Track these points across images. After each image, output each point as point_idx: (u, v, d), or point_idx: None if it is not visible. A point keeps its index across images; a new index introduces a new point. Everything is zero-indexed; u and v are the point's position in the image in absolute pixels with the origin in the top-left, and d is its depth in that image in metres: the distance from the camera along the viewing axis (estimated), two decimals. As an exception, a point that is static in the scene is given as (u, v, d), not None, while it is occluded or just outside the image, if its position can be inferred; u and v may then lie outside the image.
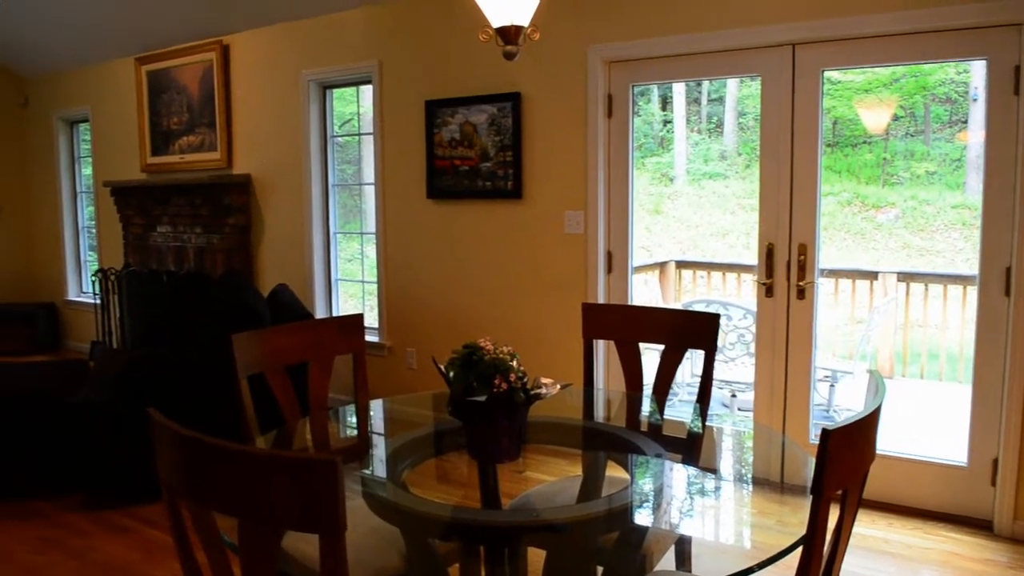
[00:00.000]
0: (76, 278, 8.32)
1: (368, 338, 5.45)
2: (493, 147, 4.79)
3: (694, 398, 3.46)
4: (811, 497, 1.59)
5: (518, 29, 2.12)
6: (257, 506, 1.38)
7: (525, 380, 2.11)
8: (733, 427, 3.26)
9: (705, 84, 13.76)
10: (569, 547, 1.98)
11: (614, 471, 2.43)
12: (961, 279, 6.77)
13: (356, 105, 6.35)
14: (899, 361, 7.07)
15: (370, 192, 5.71)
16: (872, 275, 7.13)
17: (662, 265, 7.78)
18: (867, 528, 3.72)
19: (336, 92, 5.89)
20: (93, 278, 7.37)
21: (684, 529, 2.13)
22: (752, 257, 4.15)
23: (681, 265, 7.98)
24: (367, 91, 5.66)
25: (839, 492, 1.66)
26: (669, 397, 2.93)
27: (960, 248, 11.14)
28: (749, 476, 2.41)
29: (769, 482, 2.35)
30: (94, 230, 7.96)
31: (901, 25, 3.65)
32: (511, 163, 4.73)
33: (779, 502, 2.22)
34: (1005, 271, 3.57)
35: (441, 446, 2.56)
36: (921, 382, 6.96)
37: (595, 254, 4.51)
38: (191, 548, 1.59)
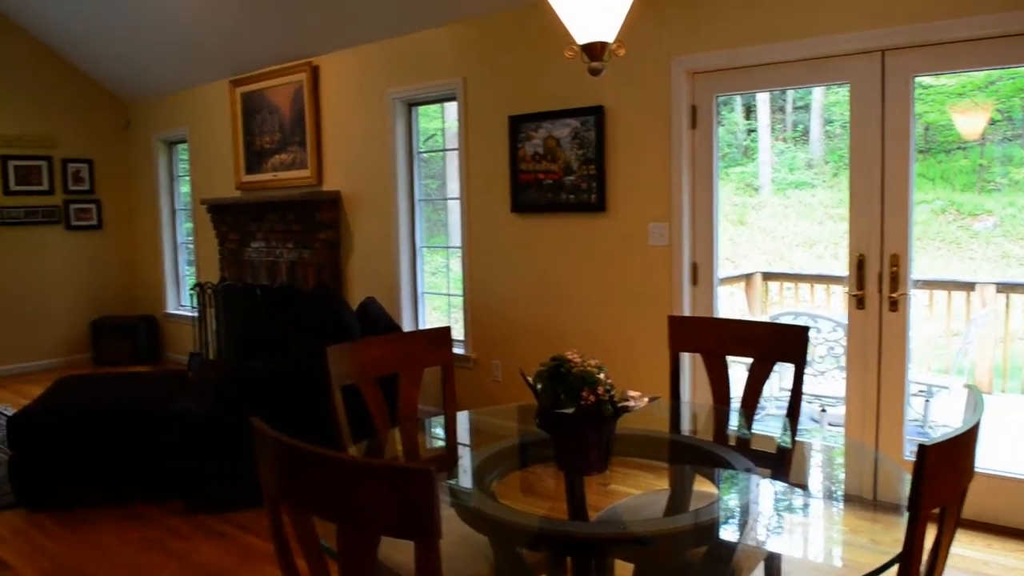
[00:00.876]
0: (175, 292, 8.67)
1: (454, 351, 5.52)
2: (576, 160, 4.82)
3: (782, 412, 3.41)
4: (907, 515, 1.56)
5: (603, 46, 2.14)
6: (356, 512, 1.42)
7: (612, 393, 2.11)
8: (823, 442, 3.20)
9: (790, 92, 13.50)
10: (656, 561, 1.98)
11: (701, 485, 2.42)
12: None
13: (440, 121, 6.46)
14: (999, 375, 6.79)
15: (454, 206, 5.80)
16: (969, 286, 6.87)
17: (748, 277, 7.66)
18: (965, 549, 3.59)
19: (420, 109, 6.02)
20: (191, 292, 7.68)
21: (773, 546, 2.10)
22: (841, 268, 4.05)
23: (767, 276, 7.83)
24: (451, 107, 5.76)
25: (936, 510, 1.62)
26: (758, 412, 2.90)
27: (1065, 257, 10.65)
28: (840, 493, 2.37)
29: (861, 499, 2.30)
30: (191, 246, 8.30)
31: (997, 28, 3.52)
32: (594, 176, 4.74)
33: (871, 520, 2.17)
34: (1114, 282, 3.40)
35: (527, 458, 2.59)
36: (1023, 397, 6.67)
37: (680, 266, 4.48)
38: (291, 553, 1.65)
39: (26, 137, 7.94)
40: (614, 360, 4.62)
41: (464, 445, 2.93)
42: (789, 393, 2.84)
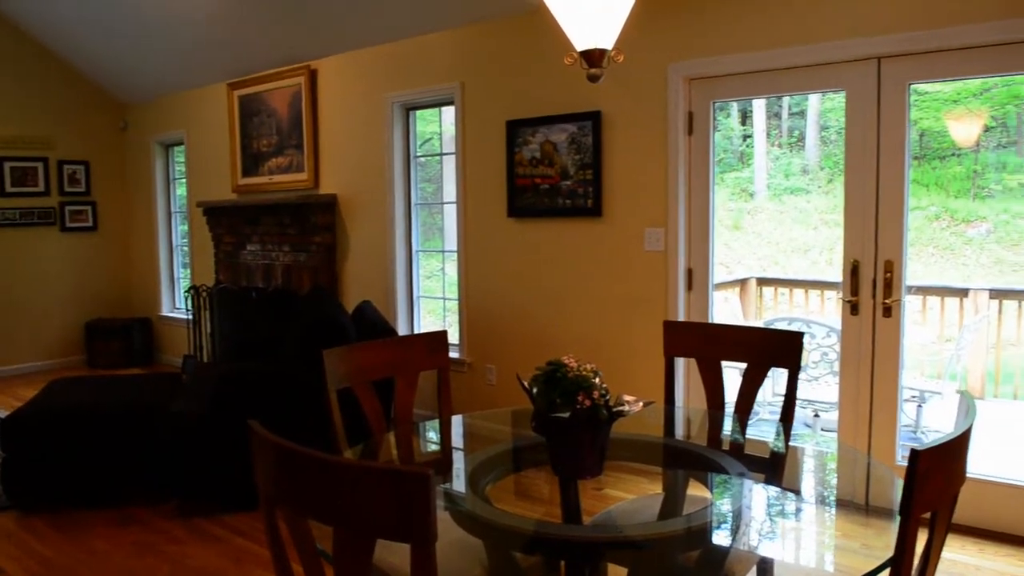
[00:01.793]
0: (170, 294, 8.67)
1: (449, 355, 5.53)
2: (573, 165, 4.83)
3: (776, 417, 3.42)
4: (899, 519, 1.57)
5: (602, 52, 2.15)
6: (352, 515, 1.43)
7: (608, 397, 2.13)
8: (816, 447, 3.21)
9: (786, 98, 13.55)
10: (650, 565, 1.99)
11: (695, 490, 2.43)
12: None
13: (437, 125, 6.48)
14: (991, 381, 6.81)
15: (450, 210, 5.81)
16: (962, 292, 6.90)
17: (743, 282, 7.69)
18: (957, 554, 3.61)
19: (418, 113, 6.03)
20: (186, 294, 7.67)
21: (766, 550, 2.11)
22: (835, 274, 4.08)
23: (762, 282, 7.86)
24: (448, 111, 5.78)
25: (928, 514, 1.64)
26: (752, 416, 2.91)
27: (1060, 264, 10.70)
28: (833, 497, 2.38)
29: (854, 504, 2.31)
30: (187, 248, 8.30)
31: (993, 36, 3.55)
32: (591, 181, 4.76)
33: (864, 524, 2.18)
34: (1106, 289, 3.43)
35: (522, 462, 2.60)
36: (1015, 403, 6.70)
37: (675, 271, 4.50)
38: (287, 557, 1.66)
39: (22, 138, 7.93)
40: (610, 364, 4.64)
41: (459, 449, 2.93)
42: (783, 398, 2.85)
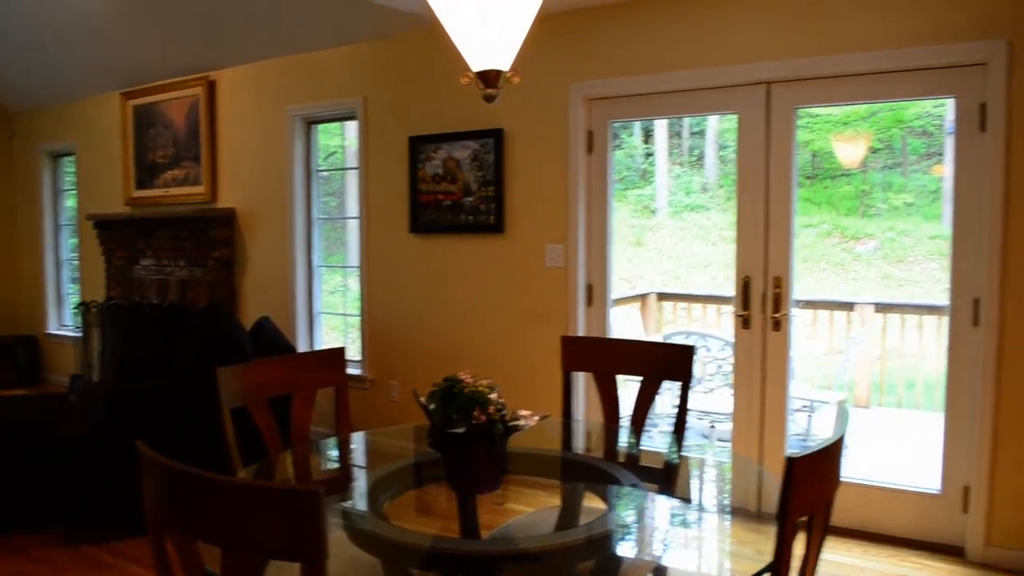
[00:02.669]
0: (57, 311, 8.32)
1: (350, 371, 5.49)
2: (476, 182, 4.88)
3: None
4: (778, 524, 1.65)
5: (498, 73, 2.20)
6: (241, 535, 1.42)
7: (504, 412, 2.16)
8: (710, 457, 3.32)
9: (686, 118, 13.97)
10: (546, 576, 2.03)
11: (592, 501, 2.48)
12: (937, 309, 6.88)
13: (341, 138, 6.44)
14: (877, 391, 7.16)
15: (354, 225, 5.78)
16: (849, 306, 7.25)
17: (643, 297, 7.87)
18: (843, 556, 3.78)
19: (321, 126, 5.99)
20: (75, 311, 7.38)
21: (660, 558, 2.18)
22: (732, 289, 4.24)
23: (662, 297, 8.07)
24: (352, 125, 5.75)
25: (807, 518, 1.73)
26: (650, 428, 3.00)
27: (938, 279, 11.33)
28: (725, 505, 2.47)
29: (746, 511, 2.40)
30: (76, 262, 7.98)
31: (872, 64, 3.77)
32: (493, 198, 4.82)
33: (756, 531, 2.27)
34: (974, 302, 3.67)
35: (422, 478, 2.60)
36: (899, 411, 7.05)
37: (575, 287, 4.59)
38: (174, 580, 1.62)
39: None
40: (512, 379, 4.69)
41: (359, 466, 2.92)
42: (676, 410, 2.94)
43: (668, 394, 5.73)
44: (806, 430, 5.68)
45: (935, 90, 3.85)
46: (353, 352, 5.77)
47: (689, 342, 5.63)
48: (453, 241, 5.05)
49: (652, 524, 2.20)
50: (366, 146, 5.42)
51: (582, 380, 4.58)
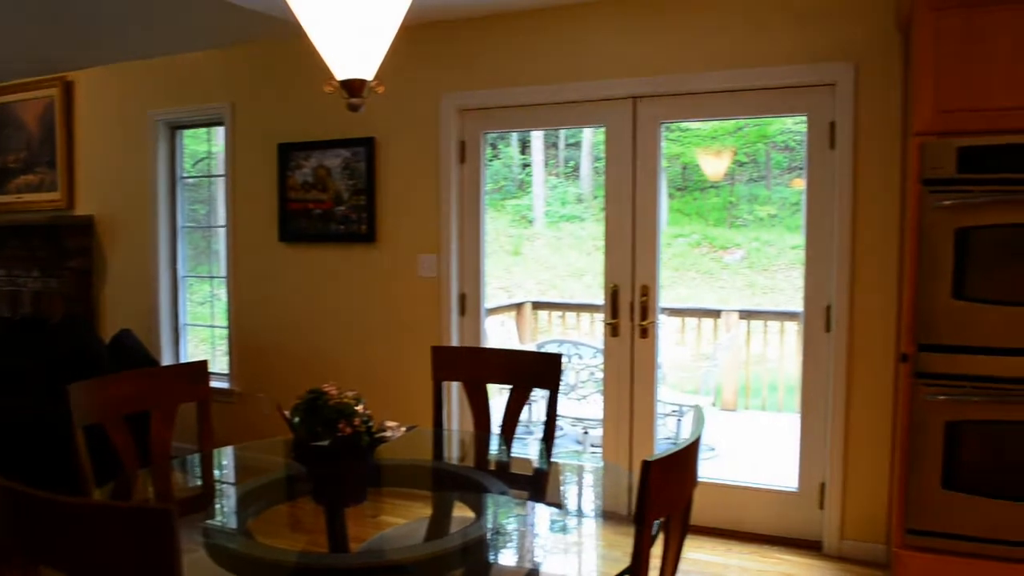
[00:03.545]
0: None
1: (218, 384, 5.34)
2: (347, 191, 4.84)
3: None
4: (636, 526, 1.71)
5: (362, 83, 2.20)
6: (90, 560, 1.37)
7: (370, 424, 2.16)
8: (579, 463, 3.40)
9: (562, 130, 14.23)
10: (416, 586, 2.04)
11: (463, 511, 2.50)
12: (796, 316, 7.24)
13: (208, 144, 6.26)
14: (743, 394, 7.49)
15: (223, 234, 5.62)
16: (715, 314, 7.55)
17: (519, 306, 7.97)
18: (708, 555, 3.93)
19: (189, 131, 5.80)
20: (-87, 325, 6.87)
21: (530, 563, 2.22)
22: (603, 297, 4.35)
23: (537, 306, 8.19)
24: (221, 131, 5.60)
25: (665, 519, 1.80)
26: (525, 436, 3.05)
27: (798, 287, 11.88)
28: (593, 509, 2.54)
29: (616, 515, 2.47)
30: (-85, 273, 7.44)
31: (730, 83, 3.97)
32: (365, 207, 4.79)
33: (626, 534, 2.34)
34: (825, 309, 3.90)
35: (290, 492, 2.57)
36: (763, 414, 7.39)
37: (448, 297, 4.61)
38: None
39: None
40: (384, 391, 4.68)
41: (226, 483, 2.85)
42: (545, 417, 3.00)
43: (543, 401, 5.83)
44: (675, 433, 5.88)
45: (790, 108, 4.08)
46: (221, 365, 5.62)
47: (562, 350, 5.79)
48: (324, 250, 4.99)
49: (520, 530, 2.24)
50: (234, 153, 5.29)
51: (456, 390, 4.60)
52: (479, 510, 2.37)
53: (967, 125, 2.99)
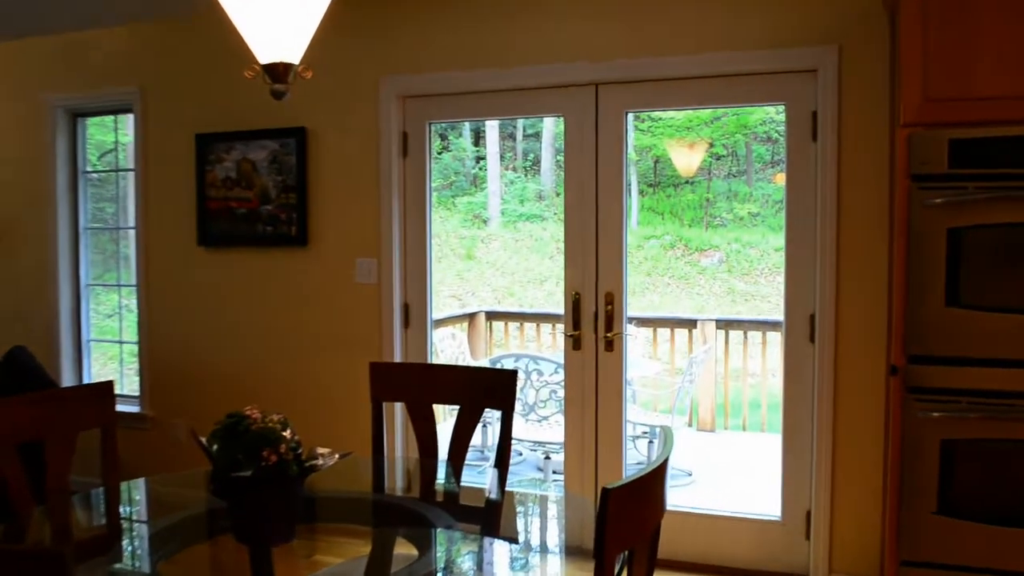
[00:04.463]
0: None
1: (126, 408, 5.27)
2: (275, 188, 4.81)
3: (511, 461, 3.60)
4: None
5: (287, 67, 2.20)
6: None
7: (299, 451, 2.15)
8: (538, 492, 3.42)
9: (520, 120, 14.25)
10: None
11: (406, 548, 2.50)
12: (780, 325, 7.34)
13: (116, 134, 6.18)
14: (721, 413, 7.56)
15: (134, 237, 5.55)
16: (692, 323, 7.62)
17: (471, 316, 7.98)
18: (681, 593, 3.97)
19: (94, 120, 5.73)
20: None
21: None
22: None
23: (492, 316, 8.20)
24: (131, 119, 5.53)
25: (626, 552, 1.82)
26: (480, 463, 3.05)
27: (783, 293, 12.05)
28: (552, 543, 2.55)
29: (580, 549, 2.48)
30: None
31: (702, 68, 4.03)
32: (295, 206, 4.77)
33: (589, 570, 2.35)
34: (809, 318, 3.97)
35: (209, 530, 2.55)
36: (744, 434, 7.48)
37: (390, 306, 4.61)
38: None
39: None
40: (317, 413, 4.65)
41: (135, 520, 2.82)
42: (498, 441, 3.02)
43: (500, 423, 5.84)
44: (647, 458, 5.93)
45: (768, 96, 4.15)
46: (130, 386, 5.54)
47: (519, 366, 5.80)
48: (249, 255, 4.95)
49: (468, 567, 2.25)
50: (145, 144, 5.23)
51: (399, 411, 4.59)
52: (424, 547, 2.37)
53: (959, 115, 3.06)
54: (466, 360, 7.11)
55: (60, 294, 5.57)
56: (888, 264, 3.77)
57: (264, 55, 2.19)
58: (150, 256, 5.26)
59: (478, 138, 15.58)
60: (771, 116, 13.48)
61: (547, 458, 5.66)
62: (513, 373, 3.01)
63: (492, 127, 14.32)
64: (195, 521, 2.59)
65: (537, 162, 15.87)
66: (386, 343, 4.62)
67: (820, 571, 3.96)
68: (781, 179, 12.77)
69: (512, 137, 16.01)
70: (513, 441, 4.76)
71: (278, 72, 2.18)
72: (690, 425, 7.34)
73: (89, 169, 5.77)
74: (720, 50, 3.98)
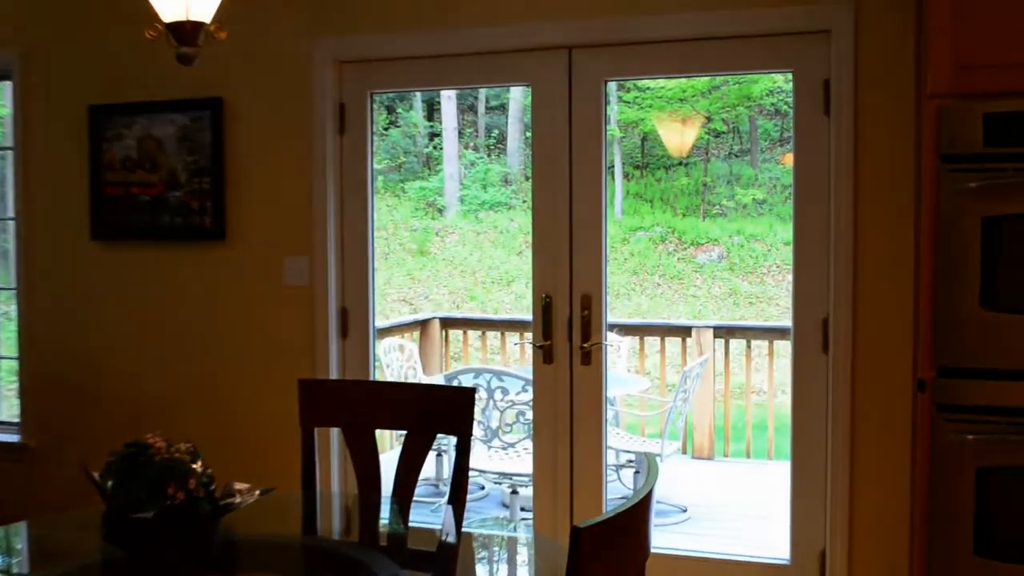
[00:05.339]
0: None
1: (3, 437, 5.28)
2: (185, 170, 4.79)
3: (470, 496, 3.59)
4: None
5: (196, 26, 2.19)
6: None
7: (212, 487, 2.15)
8: (503, 532, 3.43)
9: (483, 89, 14.18)
10: None
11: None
12: (788, 332, 7.39)
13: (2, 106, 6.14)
14: (720, 437, 7.58)
15: (13, 229, 5.50)
16: (685, 331, 7.62)
17: (424, 324, 7.96)
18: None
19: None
20: None
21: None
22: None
23: (448, 324, 8.18)
24: (8, 88, 5.49)
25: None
26: (431, 499, 3.06)
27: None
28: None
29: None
30: None
31: (696, 29, 4.04)
32: (210, 192, 4.74)
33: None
34: (822, 323, 4.01)
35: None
36: (746, 463, 7.50)
37: (325, 312, 4.59)
38: None
39: None
40: (236, 441, 4.63)
41: (13, 573, 2.79)
42: (452, 473, 3.02)
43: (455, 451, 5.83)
44: (633, 491, 5.94)
45: (772, 62, 4.20)
46: (8, 411, 5.49)
47: (479, 383, 5.80)
48: (154, 251, 4.92)
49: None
50: (26, 118, 5.19)
51: (335, 438, 4.58)
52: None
53: (996, 85, 3.09)
54: (417, 376, 7.10)
55: (-77, 300, 5.52)
56: (914, 260, 3.79)
57: (167, 12, 2.18)
58: (33, 252, 5.21)
59: (432, 111, 15.48)
60: (779, 85, 13.53)
61: (514, 493, 5.66)
62: (471, 391, 3.02)
63: (448, 98, 14.24)
64: (86, 573, 2.57)
65: (503, 140, 15.78)
66: (320, 356, 4.61)
67: (838, 622, 4.00)
68: (790, 160, 12.91)
69: (473, 110, 15.92)
70: (472, 473, 4.77)
71: (185, 32, 2.18)
72: (684, 452, 7.36)
73: (-41, 148, 5.72)
74: (715, 8, 4.00)
